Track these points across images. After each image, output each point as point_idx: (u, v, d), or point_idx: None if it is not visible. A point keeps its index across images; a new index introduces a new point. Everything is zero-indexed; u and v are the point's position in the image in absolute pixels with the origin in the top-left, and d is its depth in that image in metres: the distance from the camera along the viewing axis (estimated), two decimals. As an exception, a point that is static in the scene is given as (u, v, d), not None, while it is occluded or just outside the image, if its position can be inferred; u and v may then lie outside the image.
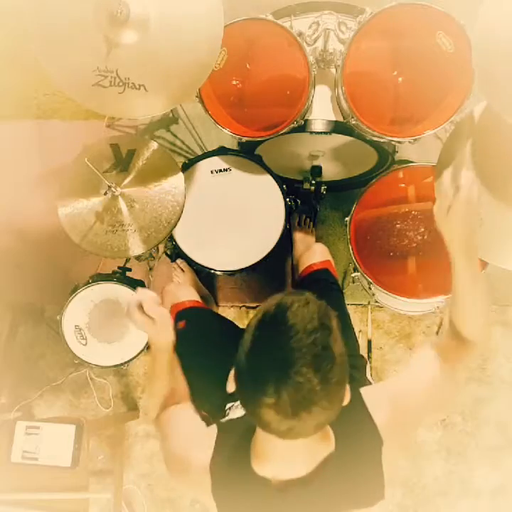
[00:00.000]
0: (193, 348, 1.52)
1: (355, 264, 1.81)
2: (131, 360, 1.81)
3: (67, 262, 2.31)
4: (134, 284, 1.84)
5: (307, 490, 0.92)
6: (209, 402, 1.31)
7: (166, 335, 1.05)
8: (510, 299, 2.27)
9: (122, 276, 1.88)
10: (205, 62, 1.37)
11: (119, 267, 1.91)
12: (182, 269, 2.15)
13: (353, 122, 1.57)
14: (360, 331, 2.24)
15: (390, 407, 0.98)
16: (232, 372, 0.84)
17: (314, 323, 0.75)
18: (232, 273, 1.84)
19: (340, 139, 1.74)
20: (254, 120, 1.72)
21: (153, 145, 1.66)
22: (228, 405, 1.27)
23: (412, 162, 1.83)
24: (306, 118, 1.64)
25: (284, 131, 1.60)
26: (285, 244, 1.92)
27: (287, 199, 1.82)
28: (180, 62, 1.37)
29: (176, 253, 2.17)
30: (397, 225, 1.84)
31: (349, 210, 1.83)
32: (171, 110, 2.27)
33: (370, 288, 1.88)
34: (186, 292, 1.76)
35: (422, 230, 1.83)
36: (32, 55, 1.34)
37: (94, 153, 1.64)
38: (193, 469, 0.97)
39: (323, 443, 0.93)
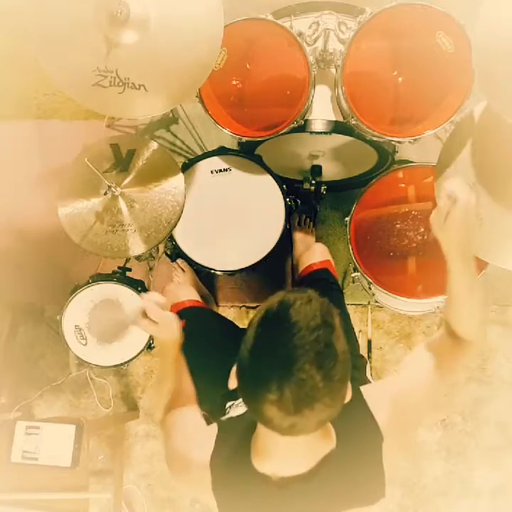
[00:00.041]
0: (193, 347, 1.52)
1: (355, 264, 1.81)
2: (131, 360, 1.81)
3: (67, 262, 2.31)
4: (134, 284, 1.84)
5: (307, 487, 0.92)
6: (209, 400, 1.31)
7: (169, 334, 1.06)
8: (510, 299, 2.27)
9: (122, 276, 1.88)
10: (205, 62, 1.37)
11: (119, 267, 1.92)
12: (182, 269, 2.15)
13: (353, 122, 1.57)
14: (360, 331, 2.24)
15: (391, 406, 0.98)
16: (234, 369, 0.85)
17: (317, 321, 0.76)
18: (232, 273, 1.84)
19: (340, 139, 1.74)
20: (254, 120, 1.72)
21: (153, 145, 1.66)
22: (228, 404, 1.28)
23: (412, 162, 1.83)
24: (306, 118, 1.64)
25: (284, 131, 1.60)
26: (285, 244, 1.92)
27: (287, 199, 1.82)
28: (180, 62, 1.37)
29: (176, 253, 2.17)
30: (397, 225, 1.84)
31: (349, 210, 1.83)
32: (171, 110, 2.27)
33: (370, 288, 1.88)
34: (186, 292, 1.76)
35: (422, 230, 1.83)
36: (32, 55, 1.34)
37: (94, 153, 1.64)
38: (194, 467, 0.97)
39: (324, 440, 0.93)
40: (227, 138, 1.75)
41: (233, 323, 1.77)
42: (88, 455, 1.77)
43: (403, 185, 1.86)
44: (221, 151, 1.83)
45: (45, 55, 1.35)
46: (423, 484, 2.21)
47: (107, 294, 1.80)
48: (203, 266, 1.83)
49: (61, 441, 1.73)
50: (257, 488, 0.93)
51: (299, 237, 2.16)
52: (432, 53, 1.53)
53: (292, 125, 1.59)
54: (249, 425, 0.95)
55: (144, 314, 1.01)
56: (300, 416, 0.75)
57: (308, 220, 2.21)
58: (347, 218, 1.83)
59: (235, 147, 1.91)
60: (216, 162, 1.82)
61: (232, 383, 0.86)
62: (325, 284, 1.71)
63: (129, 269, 1.93)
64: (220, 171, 1.82)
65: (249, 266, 1.81)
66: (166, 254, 2.23)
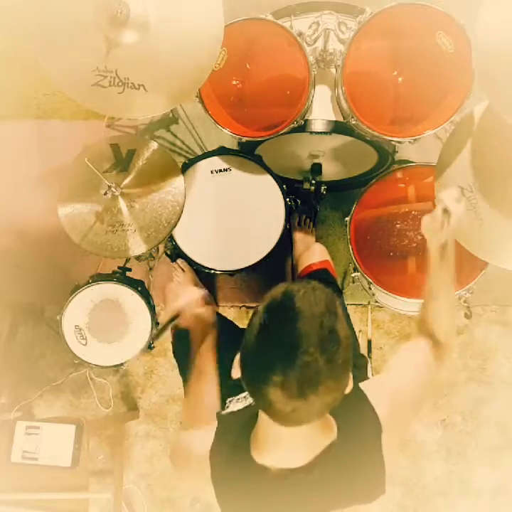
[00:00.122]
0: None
1: (355, 264, 1.81)
2: (131, 360, 1.81)
3: (67, 262, 2.31)
4: (134, 284, 1.84)
5: (307, 478, 0.92)
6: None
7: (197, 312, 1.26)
8: (510, 299, 2.27)
9: (122, 276, 1.87)
10: (205, 62, 1.37)
11: (119, 267, 1.91)
12: (182, 269, 2.15)
13: (353, 122, 1.57)
14: (360, 331, 2.24)
15: (390, 401, 1.00)
16: (237, 358, 0.86)
17: (321, 308, 0.78)
18: (232, 273, 1.84)
19: (340, 139, 1.74)
20: (254, 120, 1.72)
21: (153, 145, 1.66)
22: (228, 399, 1.28)
23: (412, 162, 1.83)
24: (306, 118, 1.64)
25: (284, 131, 1.60)
26: (285, 244, 1.91)
27: (287, 199, 1.82)
28: (180, 63, 1.37)
29: (176, 253, 2.17)
30: (397, 225, 1.84)
31: (349, 210, 1.83)
32: (171, 110, 2.27)
33: (370, 288, 1.88)
34: (187, 291, 1.76)
35: (422, 230, 1.83)
36: (32, 55, 1.34)
37: (94, 153, 1.64)
38: (194, 458, 0.99)
39: (325, 433, 0.93)
40: (227, 138, 1.75)
41: (233, 323, 1.77)
42: (88, 455, 1.77)
43: (403, 185, 1.86)
44: (221, 151, 1.83)
45: (45, 55, 1.35)
46: (423, 484, 2.22)
47: (107, 294, 1.80)
48: (203, 266, 1.83)
49: (61, 441, 1.73)
50: (256, 480, 0.94)
51: (298, 237, 2.16)
52: (432, 53, 1.53)
53: (292, 125, 1.59)
54: (249, 419, 0.96)
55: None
56: (303, 400, 0.76)
57: (308, 220, 2.21)
58: (347, 218, 1.83)
59: (235, 147, 1.91)
60: (216, 162, 1.82)
61: (235, 373, 0.87)
62: (324, 284, 1.71)
63: (129, 269, 1.93)
64: (220, 171, 1.82)
65: (249, 266, 1.81)
66: (166, 254, 2.23)
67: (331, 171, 2.03)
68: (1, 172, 2.40)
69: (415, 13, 1.46)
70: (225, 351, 1.24)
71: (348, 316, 1.70)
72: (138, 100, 1.40)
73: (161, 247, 2.21)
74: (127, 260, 1.94)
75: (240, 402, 1.20)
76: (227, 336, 1.55)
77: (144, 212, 1.61)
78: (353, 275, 1.95)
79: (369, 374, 1.65)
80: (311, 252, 1.83)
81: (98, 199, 1.62)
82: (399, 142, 1.64)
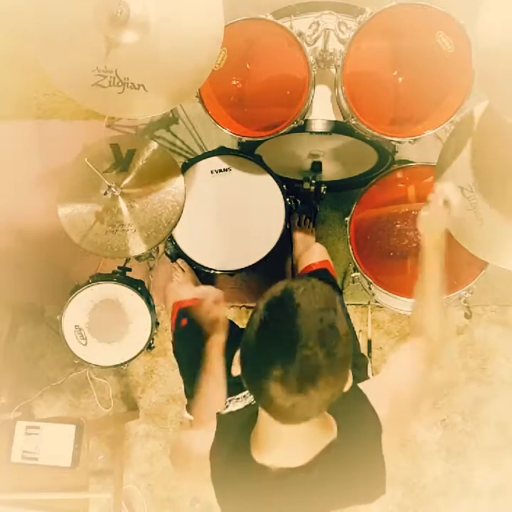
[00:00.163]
0: (193, 345, 1.53)
1: (355, 264, 1.81)
2: (131, 360, 1.81)
3: (67, 262, 2.31)
4: (134, 284, 1.84)
5: (307, 478, 0.92)
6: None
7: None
8: (510, 299, 2.27)
9: (122, 276, 1.88)
10: (205, 63, 1.37)
11: (119, 267, 1.92)
12: (182, 269, 2.15)
13: (353, 122, 1.57)
14: (360, 331, 2.24)
15: (390, 401, 1.00)
16: (237, 355, 0.86)
17: (320, 304, 0.79)
18: (232, 273, 1.84)
19: (340, 139, 1.74)
20: (254, 120, 1.72)
21: (153, 145, 1.66)
22: (228, 399, 1.28)
23: (412, 162, 1.83)
24: (306, 118, 1.64)
25: (284, 131, 1.60)
26: (285, 244, 1.92)
27: (287, 199, 1.82)
28: (180, 63, 1.37)
29: (176, 253, 2.17)
30: (397, 225, 1.84)
31: (349, 210, 1.83)
32: (171, 110, 2.27)
33: (370, 288, 1.88)
34: (188, 290, 1.78)
35: (422, 230, 1.83)
36: (32, 55, 1.34)
37: (94, 153, 1.64)
38: (194, 458, 0.99)
39: (325, 432, 0.93)
40: (227, 138, 1.75)
41: (233, 322, 1.77)
42: (88, 455, 1.77)
43: (403, 185, 1.86)
44: (221, 151, 1.83)
45: (45, 55, 1.35)
46: (423, 484, 2.22)
47: (107, 294, 1.80)
48: (202, 266, 1.83)
49: (61, 441, 1.73)
50: (256, 479, 0.94)
51: (298, 237, 2.16)
52: (432, 53, 1.53)
53: (292, 125, 1.59)
54: (249, 419, 0.96)
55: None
56: (303, 395, 0.76)
57: (308, 220, 2.21)
58: (347, 218, 1.83)
59: (235, 147, 1.91)
60: (216, 162, 1.82)
61: (235, 370, 0.87)
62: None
63: (129, 269, 1.93)
64: (220, 171, 1.82)
65: (249, 266, 1.81)
66: (166, 254, 2.23)
67: (331, 171, 2.03)
68: (1, 172, 2.40)
69: (415, 13, 1.46)
70: (226, 350, 1.25)
71: (348, 316, 1.69)
72: (138, 100, 1.40)
73: (161, 247, 2.21)
74: (127, 260, 1.94)
75: (240, 401, 1.20)
76: (227, 335, 1.56)
77: (144, 212, 1.61)
78: (353, 275, 1.95)
79: (369, 374, 1.64)
80: (310, 252, 1.83)
81: (98, 199, 1.62)
82: (399, 142, 1.64)
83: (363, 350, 2.19)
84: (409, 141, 1.60)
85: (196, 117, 2.30)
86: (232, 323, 1.76)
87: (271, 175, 1.82)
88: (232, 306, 2.30)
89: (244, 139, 1.67)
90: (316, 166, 1.94)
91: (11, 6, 2.27)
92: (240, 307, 2.30)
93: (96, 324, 1.80)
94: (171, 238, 1.81)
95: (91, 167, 1.49)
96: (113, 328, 1.80)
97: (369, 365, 1.70)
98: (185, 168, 1.80)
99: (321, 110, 1.66)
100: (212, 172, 1.82)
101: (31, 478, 1.75)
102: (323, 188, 1.99)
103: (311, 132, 1.65)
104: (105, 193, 1.59)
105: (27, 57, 2.03)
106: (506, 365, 2.25)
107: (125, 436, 2.26)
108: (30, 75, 2.26)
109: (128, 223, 1.61)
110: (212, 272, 1.83)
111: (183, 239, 1.82)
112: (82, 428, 1.75)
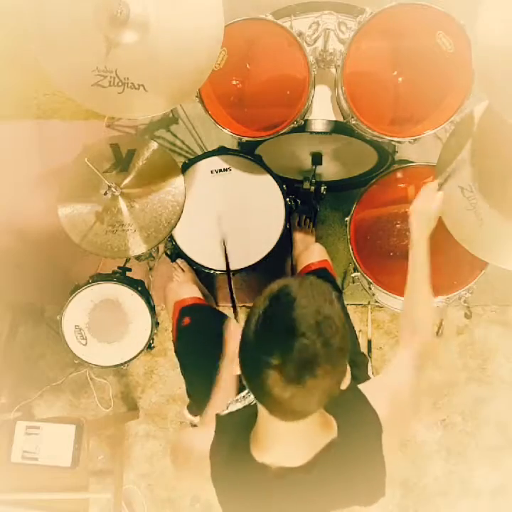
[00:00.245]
0: (196, 345, 1.54)
1: (355, 264, 1.81)
2: (131, 360, 1.81)
3: (67, 262, 2.31)
4: (134, 284, 1.84)
5: (307, 477, 0.92)
6: (210, 396, 1.32)
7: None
8: (510, 299, 2.27)
9: (122, 276, 1.88)
10: (205, 62, 1.37)
11: (119, 267, 1.92)
12: (182, 269, 2.15)
13: (353, 122, 1.57)
14: (360, 331, 2.24)
15: (390, 400, 1.01)
16: (236, 353, 0.87)
17: (317, 296, 0.81)
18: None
19: (340, 139, 1.74)
20: (254, 120, 1.72)
21: (153, 145, 1.66)
22: (228, 399, 1.29)
23: (412, 162, 1.83)
24: (306, 118, 1.64)
25: (284, 131, 1.60)
26: (285, 244, 1.92)
27: (287, 199, 1.82)
28: (180, 63, 1.36)
29: (176, 253, 2.17)
30: (397, 225, 1.84)
31: (349, 210, 1.83)
32: (171, 110, 2.27)
33: (370, 288, 1.88)
34: (188, 290, 1.78)
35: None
36: (32, 55, 1.34)
37: (94, 153, 1.64)
38: (194, 457, 1.00)
39: (324, 431, 0.94)
40: (227, 138, 1.75)
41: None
42: (88, 455, 1.77)
43: (403, 185, 1.86)
44: (221, 151, 1.83)
45: (45, 55, 1.35)
46: (423, 484, 2.22)
47: (107, 294, 1.80)
48: (202, 266, 1.83)
49: (61, 441, 1.73)
50: (256, 478, 0.94)
51: (299, 237, 2.16)
52: (432, 53, 1.53)
53: (292, 125, 1.59)
54: (248, 418, 0.96)
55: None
56: (302, 385, 0.77)
57: (308, 220, 2.21)
58: (347, 218, 1.83)
59: (235, 147, 1.91)
60: (216, 162, 1.82)
61: (235, 369, 0.88)
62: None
63: (129, 269, 1.93)
64: (220, 170, 1.82)
65: (249, 266, 1.81)
66: (166, 254, 2.23)
67: (331, 171, 2.03)
68: (1, 172, 2.40)
69: (415, 13, 1.46)
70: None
71: (348, 316, 1.70)
72: (138, 100, 1.40)
73: (161, 247, 2.21)
74: (127, 260, 1.94)
75: (239, 402, 1.20)
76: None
77: (144, 212, 1.61)
78: (353, 275, 1.95)
79: (369, 373, 1.65)
80: (310, 251, 1.83)
81: (98, 199, 1.62)
82: (399, 142, 1.64)
83: (363, 350, 2.19)
84: (409, 141, 1.60)
85: (196, 117, 2.30)
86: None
87: (271, 175, 1.82)
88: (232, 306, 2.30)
89: (244, 139, 1.67)
90: (317, 159, 1.94)
91: (11, 6, 2.27)
92: (240, 307, 2.29)
93: (96, 324, 1.80)
94: (171, 238, 1.81)
95: (91, 167, 1.49)
96: (113, 328, 1.80)
97: (369, 364, 1.70)
98: (185, 168, 1.80)
99: (321, 110, 1.66)
100: (212, 172, 1.82)
101: (31, 478, 1.75)
102: (323, 188, 1.99)
103: (311, 132, 1.65)
104: (105, 193, 1.59)
105: (27, 57, 2.03)
106: (506, 365, 2.25)
107: (125, 436, 2.26)
108: (30, 75, 2.26)
109: (128, 223, 1.61)
110: (212, 271, 1.83)
111: (183, 239, 1.82)
112: (82, 428, 1.75)
